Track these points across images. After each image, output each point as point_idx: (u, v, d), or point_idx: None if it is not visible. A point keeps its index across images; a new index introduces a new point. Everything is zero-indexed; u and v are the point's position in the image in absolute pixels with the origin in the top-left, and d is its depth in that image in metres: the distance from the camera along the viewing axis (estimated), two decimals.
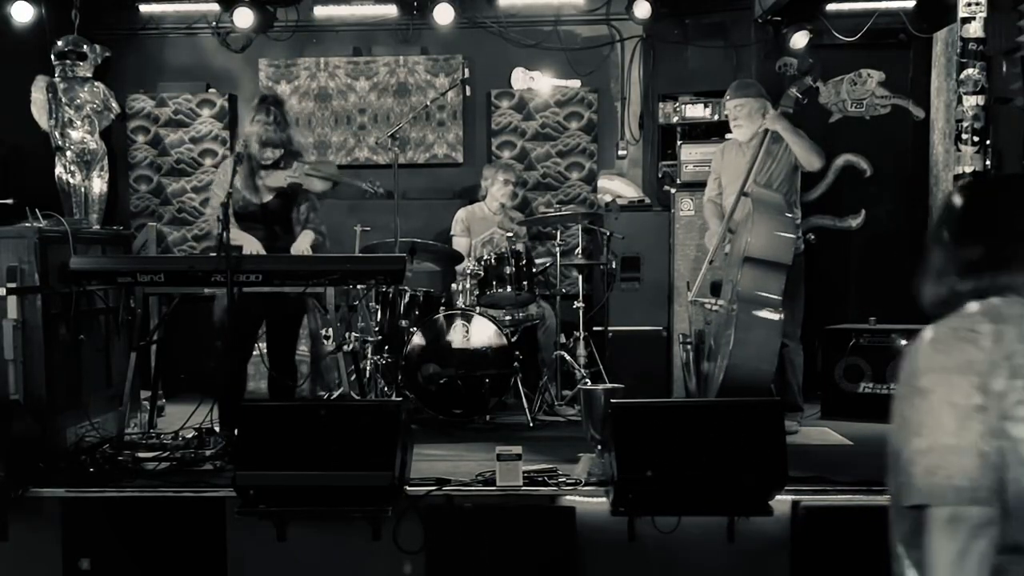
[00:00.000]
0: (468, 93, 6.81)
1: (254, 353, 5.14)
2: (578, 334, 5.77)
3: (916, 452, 1.65)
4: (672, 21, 6.87)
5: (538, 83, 7.00)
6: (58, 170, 6.00)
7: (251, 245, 4.89)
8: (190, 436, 4.61)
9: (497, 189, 6.20)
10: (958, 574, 1.60)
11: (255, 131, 4.96)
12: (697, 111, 6.49)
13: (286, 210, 5.06)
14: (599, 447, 4.12)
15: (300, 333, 5.25)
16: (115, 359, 5.02)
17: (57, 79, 5.97)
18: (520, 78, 7.03)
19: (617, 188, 6.63)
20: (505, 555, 3.82)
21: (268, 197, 5.02)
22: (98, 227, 5.64)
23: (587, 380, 5.51)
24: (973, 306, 1.73)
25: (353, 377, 5.14)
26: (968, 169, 3.45)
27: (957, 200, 1.85)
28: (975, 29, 3.43)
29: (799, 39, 6.28)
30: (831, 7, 6.43)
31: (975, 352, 1.64)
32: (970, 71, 3.43)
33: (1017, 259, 1.73)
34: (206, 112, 7.11)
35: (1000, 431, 1.61)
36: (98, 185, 6.09)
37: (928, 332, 1.73)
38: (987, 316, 1.69)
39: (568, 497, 3.92)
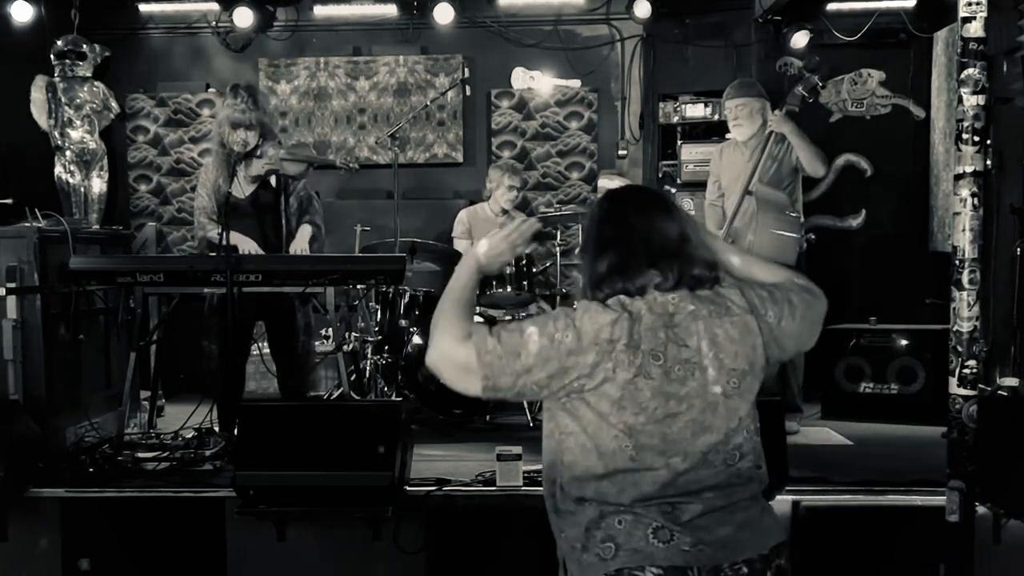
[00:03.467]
0: (468, 93, 6.82)
1: (253, 352, 5.13)
2: None
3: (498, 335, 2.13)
4: (672, 21, 6.87)
5: (538, 83, 7.00)
6: (57, 170, 6.00)
7: (247, 245, 4.86)
8: (190, 436, 4.61)
9: (502, 193, 6.18)
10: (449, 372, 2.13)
11: (225, 115, 4.86)
12: (697, 111, 6.49)
13: (273, 201, 4.98)
14: None
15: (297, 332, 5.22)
16: (115, 359, 5.02)
17: (57, 79, 5.97)
18: (520, 78, 7.03)
19: None
20: (505, 555, 3.82)
21: (250, 189, 4.95)
22: (98, 227, 5.64)
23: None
24: (612, 301, 2.12)
25: (353, 377, 5.14)
26: (968, 169, 3.44)
27: (588, 218, 2.29)
28: (976, 29, 3.42)
29: (799, 39, 6.27)
30: (831, 7, 6.43)
31: (591, 323, 2.06)
32: (970, 71, 3.42)
33: (632, 269, 2.13)
34: (206, 112, 7.11)
35: (568, 388, 2.09)
36: (98, 185, 6.09)
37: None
38: (614, 309, 2.09)
39: None
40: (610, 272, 2.15)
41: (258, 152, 4.87)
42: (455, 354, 2.09)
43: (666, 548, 2.03)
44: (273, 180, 4.96)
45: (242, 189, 4.90)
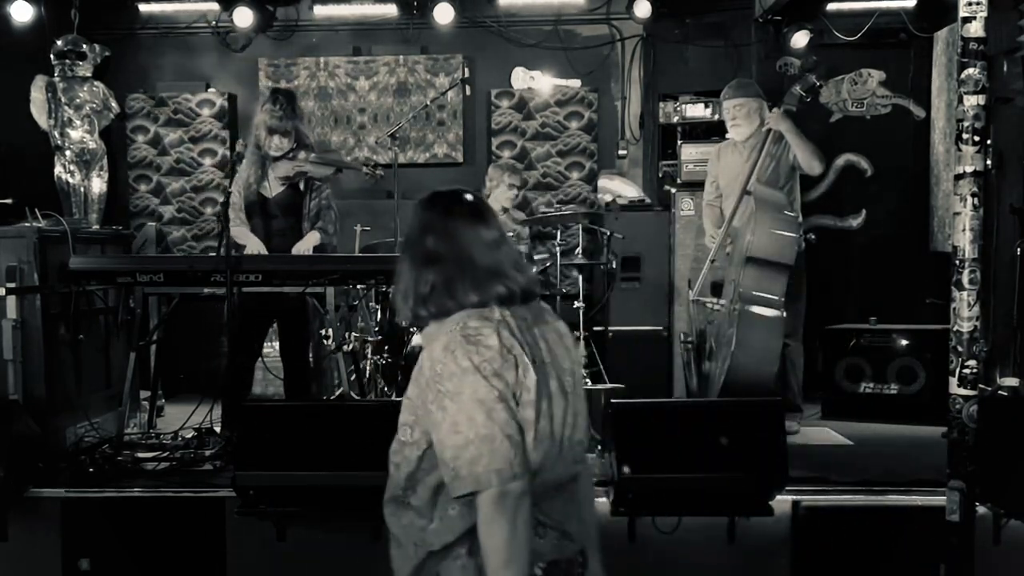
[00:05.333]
0: (468, 93, 6.81)
1: (268, 352, 5.16)
2: (578, 334, 5.76)
3: (457, 448, 1.92)
4: (672, 21, 6.86)
5: (538, 83, 6.99)
6: (57, 170, 5.99)
7: (254, 245, 4.89)
8: (190, 436, 4.61)
9: (501, 192, 6.18)
10: (513, 541, 1.90)
11: (262, 119, 5.00)
12: (697, 111, 6.48)
13: (296, 202, 5.06)
14: (599, 447, 4.12)
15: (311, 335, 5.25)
16: (115, 359, 5.02)
17: (56, 79, 5.96)
18: (520, 78, 7.02)
19: (617, 188, 6.63)
20: None
21: (277, 189, 5.04)
22: (98, 227, 5.64)
23: (587, 380, 5.51)
24: (463, 314, 2.02)
25: (353, 377, 5.14)
26: (968, 169, 3.44)
27: (411, 227, 2.15)
28: (976, 28, 3.42)
29: (799, 39, 6.27)
30: (831, 7, 6.42)
31: (486, 352, 1.95)
32: (971, 71, 3.42)
33: (477, 279, 2.04)
34: (206, 112, 7.10)
35: (515, 413, 1.95)
36: (97, 185, 6.08)
37: (437, 341, 2.01)
38: (483, 321, 2.00)
39: None
40: (446, 288, 2.05)
41: (290, 155, 4.99)
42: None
43: (545, 543, 2.05)
44: (301, 184, 5.03)
45: (270, 188, 5.03)
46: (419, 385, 2.06)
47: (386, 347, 5.47)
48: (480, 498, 1.91)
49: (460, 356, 1.96)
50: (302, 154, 5.01)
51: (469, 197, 2.17)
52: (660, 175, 6.64)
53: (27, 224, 4.56)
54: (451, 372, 1.96)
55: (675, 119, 6.53)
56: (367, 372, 5.31)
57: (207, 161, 7.12)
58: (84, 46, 5.99)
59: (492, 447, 1.91)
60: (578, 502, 2.15)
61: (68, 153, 5.97)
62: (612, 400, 4.00)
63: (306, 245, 5.00)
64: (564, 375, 2.10)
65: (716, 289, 5.22)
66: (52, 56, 5.97)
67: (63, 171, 5.99)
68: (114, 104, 6.18)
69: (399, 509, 2.13)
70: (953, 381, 3.49)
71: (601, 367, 5.85)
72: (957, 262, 3.46)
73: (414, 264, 2.10)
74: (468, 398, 1.93)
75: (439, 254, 2.07)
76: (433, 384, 1.99)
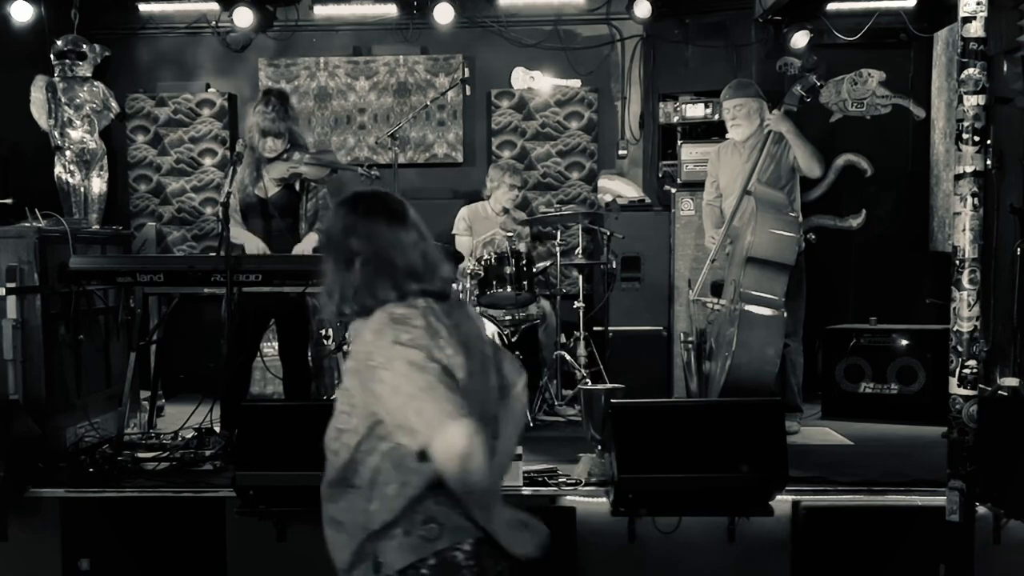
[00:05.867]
0: (468, 93, 6.81)
1: (267, 351, 5.16)
2: (578, 334, 5.77)
3: (402, 406, 2.04)
4: (672, 21, 6.86)
5: (538, 83, 6.99)
6: (57, 170, 6.00)
7: (253, 244, 4.89)
8: (190, 436, 4.61)
9: (503, 193, 6.18)
10: (481, 466, 2.01)
11: (255, 121, 4.99)
12: (697, 111, 6.48)
13: (292, 203, 5.06)
14: (599, 447, 4.12)
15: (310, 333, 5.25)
16: (115, 359, 5.02)
17: (57, 79, 5.96)
18: (520, 78, 7.02)
19: (617, 188, 6.63)
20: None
21: (273, 190, 5.04)
22: (98, 227, 5.64)
23: (587, 380, 5.51)
24: (392, 307, 2.14)
25: None
26: (968, 169, 3.44)
27: (334, 229, 2.28)
28: (976, 28, 3.42)
29: (799, 39, 6.27)
30: (832, 7, 6.42)
31: (415, 331, 2.08)
32: (971, 71, 3.42)
33: (396, 279, 2.16)
34: (206, 112, 7.11)
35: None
36: (97, 185, 6.09)
37: (367, 328, 2.13)
38: (409, 308, 2.13)
39: (568, 497, 3.92)
40: (368, 287, 2.17)
41: (284, 157, 4.99)
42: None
43: (480, 516, 2.16)
44: (297, 184, 5.03)
45: (266, 190, 5.03)
46: (353, 373, 2.16)
47: None
48: (435, 444, 2.00)
49: (389, 335, 2.08)
50: (296, 155, 5.01)
51: (390, 199, 2.30)
52: (660, 175, 6.64)
53: (27, 224, 4.56)
54: (381, 348, 2.08)
55: (675, 119, 6.53)
56: None
57: (207, 161, 7.12)
58: (84, 46, 5.99)
59: (434, 395, 2.02)
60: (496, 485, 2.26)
61: (68, 153, 5.97)
62: (612, 400, 3.99)
63: (306, 246, 5.01)
64: (485, 363, 2.25)
65: (716, 289, 5.22)
66: (52, 56, 5.97)
67: (63, 171, 6.00)
68: (114, 104, 6.19)
69: (341, 493, 2.23)
70: (953, 381, 3.50)
71: (601, 367, 5.85)
72: (957, 262, 3.46)
73: (337, 265, 2.23)
74: (401, 364, 2.05)
75: (361, 255, 2.19)
76: (367, 364, 2.09)
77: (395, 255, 2.19)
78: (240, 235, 4.89)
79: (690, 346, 5.48)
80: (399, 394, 2.04)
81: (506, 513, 2.25)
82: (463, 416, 2.00)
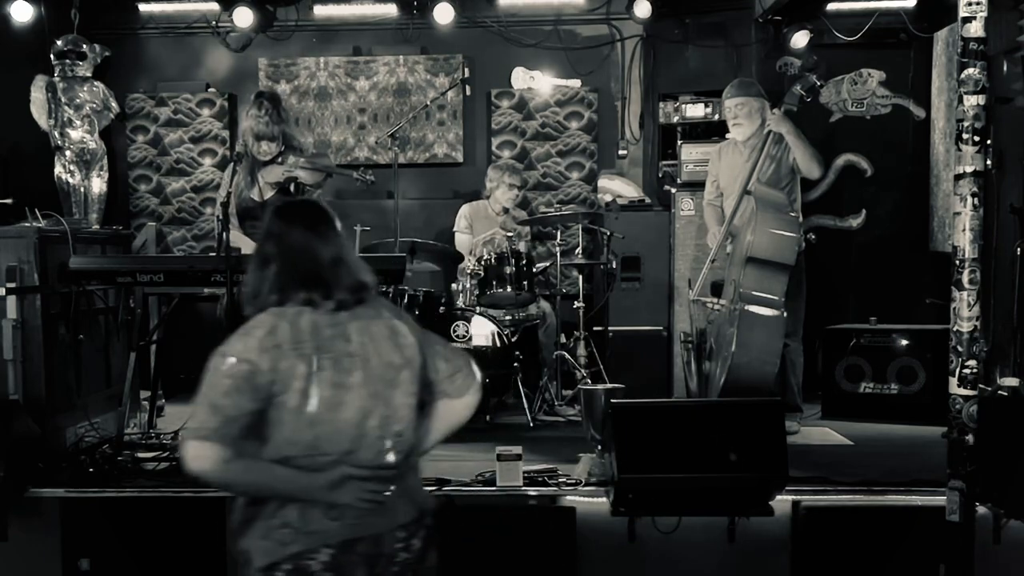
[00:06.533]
0: (468, 93, 6.81)
1: None
2: (578, 334, 5.77)
3: (194, 406, 2.28)
4: (672, 21, 6.86)
5: (538, 83, 7.00)
6: (57, 170, 6.00)
7: (250, 247, 4.89)
8: None
9: (502, 193, 6.18)
10: (217, 482, 2.29)
11: (249, 125, 5.02)
12: (697, 111, 6.48)
13: None
14: (599, 447, 4.12)
15: None
16: (115, 359, 5.02)
17: (57, 79, 5.96)
18: (520, 78, 7.02)
19: (617, 188, 6.63)
20: (505, 555, 3.82)
21: (269, 193, 5.06)
22: (98, 227, 5.64)
23: (587, 380, 5.51)
24: (263, 313, 2.35)
25: None
26: (968, 169, 3.44)
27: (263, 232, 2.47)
28: (976, 29, 3.42)
29: (799, 39, 6.27)
30: (831, 7, 6.42)
31: (249, 341, 2.28)
32: (971, 71, 3.42)
33: (288, 284, 2.34)
34: (206, 112, 7.11)
35: (271, 395, 2.25)
36: (97, 185, 6.09)
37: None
38: (272, 316, 2.32)
39: (568, 497, 3.92)
40: (268, 290, 2.36)
41: (279, 160, 4.99)
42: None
43: (339, 525, 2.27)
44: (292, 187, 5.04)
45: (261, 193, 5.05)
46: None
47: None
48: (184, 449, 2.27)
49: (233, 341, 2.31)
50: (291, 158, 5.03)
51: (314, 209, 2.49)
52: (660, 175, 6.64)
53: (27, 224, 4.55)
54: (220, 351, 2.31)
55: (675, 119, 6.53)
56: None
57: (207, 161, 7.12)
58: (84, 46, 5.99)
59: (202, 411, 2.26)
60: (398, 488, 2.35)
61: (68, 153, 5.97)
62: (612, 400, 3.99)
63: None
64: (381, 370, 2.36)
65: (716, 289, 5.22)
66: (52, 56, 5.97)
67: (63, 171, 6.00)
68: (114, 104, 6.19)
69: None
70: (953, 381, 3.50)
71: (601, 367, 5.85)
72: (957, 262, 3.46)
73: (254, 265, 2.43)
74: (213, 371, 2.28)
75: (271, 259, 2.39)
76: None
77: (299, 262, 2.36)
78: (238, 238, 4.89)
79: (690, 346, 5.48)
80: (198, 396, 2.29)
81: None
82: (207, 440, 2.23)
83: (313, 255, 2.37)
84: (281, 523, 2.28)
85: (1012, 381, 4.51)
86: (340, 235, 2.45)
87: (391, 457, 2.36)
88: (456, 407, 2.53)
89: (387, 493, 2.32)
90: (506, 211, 6.23)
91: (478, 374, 2.56)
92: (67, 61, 5.93)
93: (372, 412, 2.34)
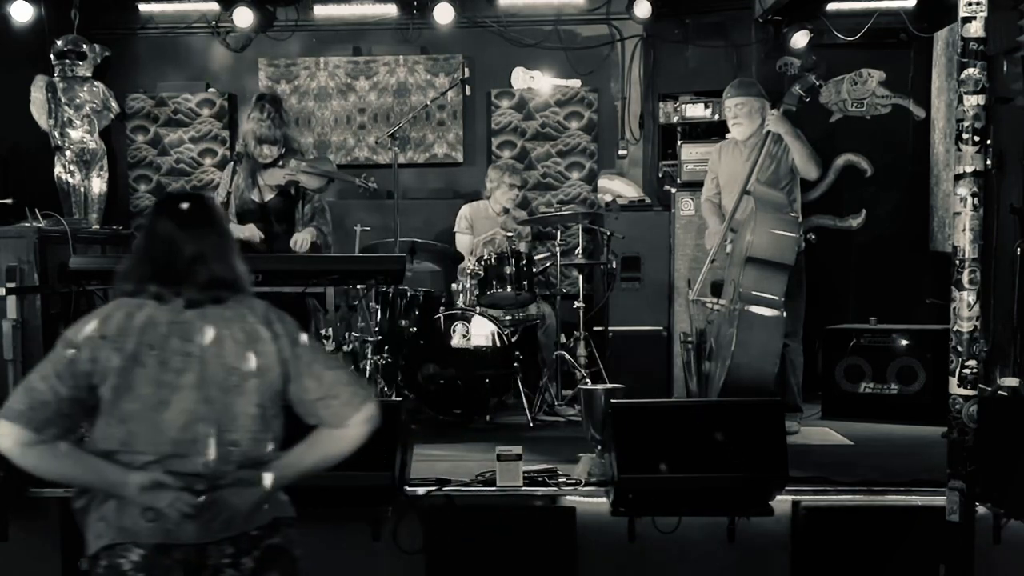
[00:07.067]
0: (468, 93, 6.81)
1: None
2: (578, 334, 5.77)
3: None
4: (672, 21, 6.86)
5: (538, 83, 6.99)
6: (57, 170, 6.01)
7: (247, 231, 4.91)
8: None
9: (502, 193, 6.18)
10: (23, 463, 2.24)
11: (250, 128, 5.01)
12: (697, 111, 6.48)
13: (289, 209, 5.07)
14: (599, 447, 4.12)
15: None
16: None
17: (57, 79, 5.97)
18: (520, 78, 7.02)
19: (617, 188, 6.63)
20: (505, 555, 3.82)
21: (269, 195, 5.06)
22: (98, 227, 5.65)
23: (587, 380, 5.51)
24: (111, 301, 2.35)
25: None
26: (968, 169, 3.44)
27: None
28: (976, 28, 3.42)
29: (799, 39, 6.27)
30: (831, 7, 6.42)
31: (83, 328, 2.27)
32: (971, 71, 3.42)
33: (142, 273, 2.33)
34: (206, 112, 7.11)
35: (90, 385, 2.24)
36: (97, 185, 6.10)
37: None
38: (112, 306, 2.31)
39: (568, 497, 3.91)
40: (122, 278, 2.36)
41: (280, 163, 4.99)
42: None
43: (152, 528, 2.23)
44: (293, 190, 5.05)
45: (262, 195, 5.04)
46: None
47: (386, 347, 5.48)
48: None
49: (74, 325, 2.31)
50: (293, 161, 5.03)
51: (185, 203, 2.41)
52: (660, 175, 6.64)
53: (27, 224, 4.57)
54: (63, 334, 2.32)
55: (675, 119, 6.53)
56: (367, 372, 5.31)
57: (207, 161, 7.12)
58: (84, 46, 6.00)
59: (18, 391, 2.25)
60: (216, 502, 2.25)
61: (68, 153, 5.98)
62: (612, 400, 3.99)
63: (303, 236, 5.03)
64: (222, 374, 2.29)
65: (716, 289, 5.22)
66: (52, 56, 5.98)
67: (63, 171, 6.01)
68: (114, 104, 6.19)
69: None
70: (953, 381, 3.49)
71: (601, 367, 5.85)
72: (957, 262, 3.46)
73: (131, 253, 2.44)
74: (49, 355, 2.28)
75: (135, 247, 2.42)
76: None
77: (157, 254, 2.34)
78: (235, 229, 4.90)
79: (690, 346, 5.48)
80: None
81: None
82: (10, 420, 2.20)
83: (172, 249, 2.33)
84: (99, 516, 2.28)
85: (1012, 381, 4.51)
86: (213, 233, 2.39)
87: (219, 466, 2.26)
88: (333, 438, 2.37)
89: (201, 500, 2.21)
90: (506, 211, 6.23)
91: (367, 409, 2.37)
92: (67, 61, 5.94)
93: (203, 417, 2.26)
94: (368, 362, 5.36)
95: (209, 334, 2.30)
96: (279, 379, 2.34)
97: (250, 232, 4.90)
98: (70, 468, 2.25)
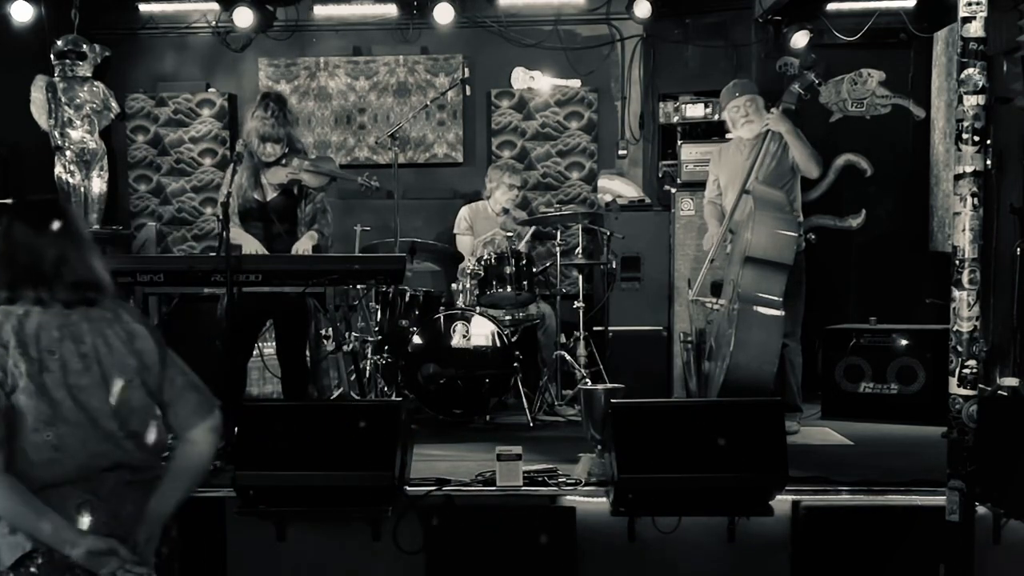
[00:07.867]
0: (468, 93, 6.81)
1: (254, 354, 5.14)
2: (578, 334, 5.77)
3: None
4: (672, 21, 6.86)
5: (538, 83, 7.00)
6: (58, 170, 6.01)
7: (251, 245, 4.89)
8: None
9: (502, 193, 6.18)
10: None
11: (254, 126, 5.00)
12: (697, 111, 6.49)
13: (291, 208, 5.07)
14: (599, 447, 4.12)
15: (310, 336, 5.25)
16: None
17: (57, 79, 5.98)
18: (520, 78, 7.02)
19: (617, 188, 6.63)
20: (505, 555, 3.82)
21: (272, 194, 5.05)
22: (98, 227, 5.65)
23: (587, 380, 5.51)
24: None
25: (353, 377, 5.13)
26: (968, 169, 3.44)
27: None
28: (976, 29, 3.42)
29: (799, 39, 6.27)
30: (831, 7, 6.42)
31: None
32: (970, 71, 3.42)
33: (12, 279, 2.32)
34: (206, 112, 7.11)
35: (4, 388, 2.23)
36: (98, 185, 6.10)
37: None
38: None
39: (568, 497, 3.91)
40: None
41: (283, 161, 4.99)
42: None
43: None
44: (296, 189, 5.04)
45: (264, 194, 5.03)
46: None
47: (386, 347, 5.48)
48: None
49: None
50: (296, 160, 5.01)
51: (41, 207, 2.43)
52: (660, 175, 6.64)
53: None
54: None
55: (675, 119, 6.53)
56: (367, 372, 5.31)
57: (207, 161, 7.12)
58: (84, 46, 6.01)
59: None
60: (106, 495, 2.32)
61: (68, 153, 5.98)
62: (612, 400, 3.99)
63: (304, 244, 5.01)
64: (117, 371, 2.34)
65: (716, 289, 5.22)
66: (52, 56, 5.98)
67: (63, 171, 6.01)
68: (114, 104, 6.20)
69: None
70: (953, 381, 3.50)
71: (601, 367, 5.85)
72: (957, 262, 3.46)
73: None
74: None
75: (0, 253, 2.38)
76: None
77: (20, 258, 2.33)
78: (239, 235, 4.90)
79: (690, 346, 5.48)
80: None
81: (88, 540, 2.26)
82: None
83: (33, 252, 2.34)
84: (11, 528, 2.27)
85: (1012, 381, 4.51)
86: (70, 234, 2.40)
87: (124, 456, 2.36)
88: (184, 455, 2.49)
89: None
90: (506, 211, 6.23)
91: (213, 418, 2.48)
92: (67, 61, 5.94)
93: (109, 412, 2.33)
94: (368, 362, 5.37)
95: (97, 335, 2.35)
96: (158, 376, 2.42)
97: (254, 247, 4.90)
98: (16, 505, 2.22)
